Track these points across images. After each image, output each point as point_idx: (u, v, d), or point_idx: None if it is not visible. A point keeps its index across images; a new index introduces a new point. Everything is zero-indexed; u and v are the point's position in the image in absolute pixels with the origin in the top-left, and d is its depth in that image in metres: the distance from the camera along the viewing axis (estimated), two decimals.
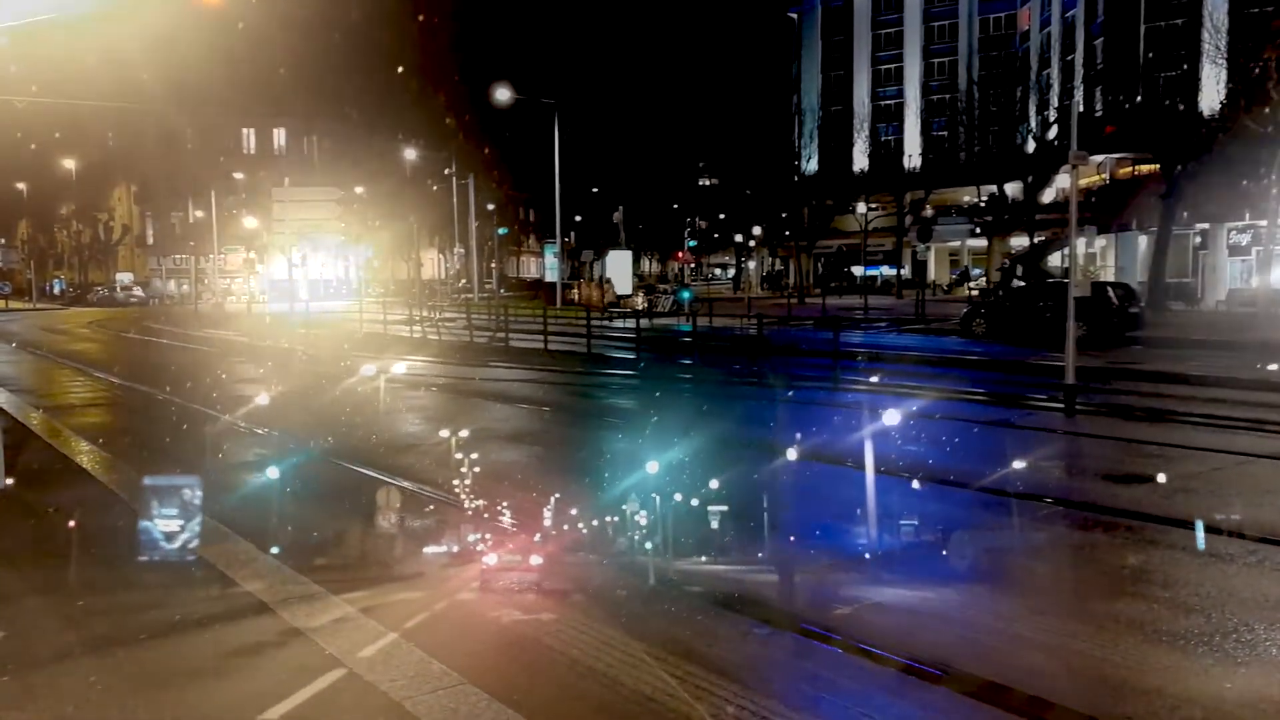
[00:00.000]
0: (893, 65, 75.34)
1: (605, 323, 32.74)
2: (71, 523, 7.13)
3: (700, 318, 28.90)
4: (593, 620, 5.33)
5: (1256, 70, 30.75)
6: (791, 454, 9.07)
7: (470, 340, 25.92)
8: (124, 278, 74.62)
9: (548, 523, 6.50)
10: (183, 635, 5.16)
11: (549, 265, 53.33)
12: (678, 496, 6.48)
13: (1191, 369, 17.23)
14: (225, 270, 66.56)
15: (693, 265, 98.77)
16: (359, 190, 61.45)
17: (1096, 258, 46.37)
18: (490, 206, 71.51)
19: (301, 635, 5.09)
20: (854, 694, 4.51)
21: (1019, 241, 49.84)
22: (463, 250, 70.97)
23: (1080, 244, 29.78)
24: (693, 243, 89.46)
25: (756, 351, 22.72)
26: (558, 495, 6.95)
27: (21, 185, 74.98)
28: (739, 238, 75.14)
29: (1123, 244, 43.96)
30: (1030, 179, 47.74)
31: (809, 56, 78.66)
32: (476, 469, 7.44)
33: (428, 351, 23.68)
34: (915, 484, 8.37)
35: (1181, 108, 39.72)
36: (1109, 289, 25.05)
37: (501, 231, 74.07)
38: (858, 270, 64.17)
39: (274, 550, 6.50)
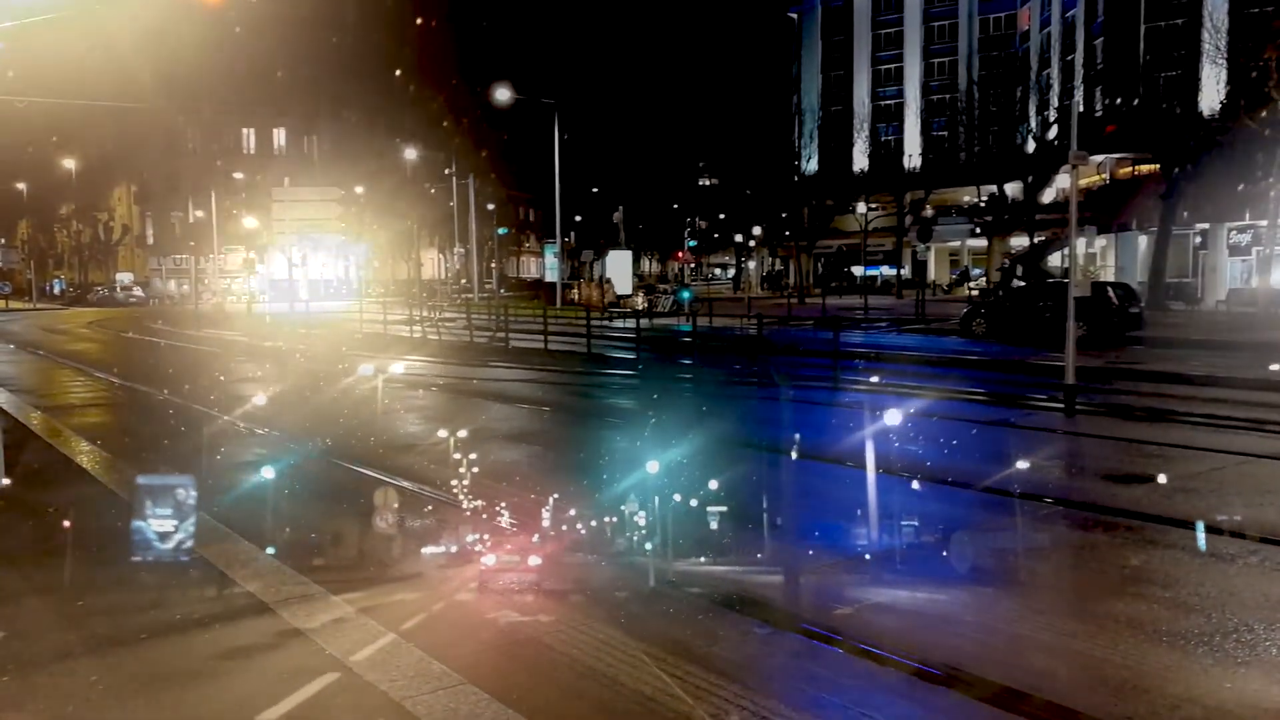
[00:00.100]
0: (893, 65, 75.36)
1: (605, 323, 32.74)
2: (72, 522, 7.13)
3: (700, 318, 28.91)
4: (593, 620, 5.33)
5: (1256, 70, 30.73)
6: (791, 454, 9.06)
7: (470, 340, 25.91)
8: (124, 278, 74.61)
9: (548, 523, 6.49)
10: (183, 635, 5.16)
11: (549, 265, 53.35)
12: (678, 496, 6.47)
13: (1192, 369, 17.22)
14: (225, 270, 66.55)
15: (693, 265, 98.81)
16: (359, 190, 61.48)
17: (1097, 258, 46.39)
18: (490, 206, 71.58)
19: (301, 635, 5.09)
20: (855, 694, 4.50)
21: (1019, 241, 49.85)
22: (463, 250, 71.01)
23: (1080, 244, 29.80)
24: (693, 243, 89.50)
25: (756, 351, 22.72)
26: (558, 495, 6.94)
27: (22, 185, 75.01)
28: (739, 238, 75.18)
29: (1123, 244, 43.96)
30: (1030, 179, 47.75)
31: (809, 56, 78.66)
32: (476, 469, 7.44)
33: (428, 351, 23.69)
34: (915, 484, 8.36)
35: (1181, 108, 39.71)
36: (1109, 289, 25.04)
37: (501, 231, 74.15)
38: (858, 270, 64.17)
39: (274, 550, 6.50)
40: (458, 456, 7.52)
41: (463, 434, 9.24)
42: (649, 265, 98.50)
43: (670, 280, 77.86)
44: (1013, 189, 51.84)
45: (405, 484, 8.72)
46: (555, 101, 48.10)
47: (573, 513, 6.64)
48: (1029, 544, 7.06)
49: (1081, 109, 43.95)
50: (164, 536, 5.81)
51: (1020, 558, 6.77)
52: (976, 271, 61.02)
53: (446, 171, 66.00)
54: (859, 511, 7.24)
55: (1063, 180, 44.40)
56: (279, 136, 79.74)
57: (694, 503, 6.59)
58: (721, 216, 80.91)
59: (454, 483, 7.23)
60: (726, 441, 9.93)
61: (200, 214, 66.81)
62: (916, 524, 6.90)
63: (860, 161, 67.98)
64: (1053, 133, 47.87)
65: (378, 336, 29.10)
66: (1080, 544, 7.12)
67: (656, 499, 6.28)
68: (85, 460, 9.99)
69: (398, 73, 68.88)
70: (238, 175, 66.87)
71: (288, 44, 61.93)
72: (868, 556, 6.61)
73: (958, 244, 65.56)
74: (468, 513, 6.72)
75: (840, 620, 5.47)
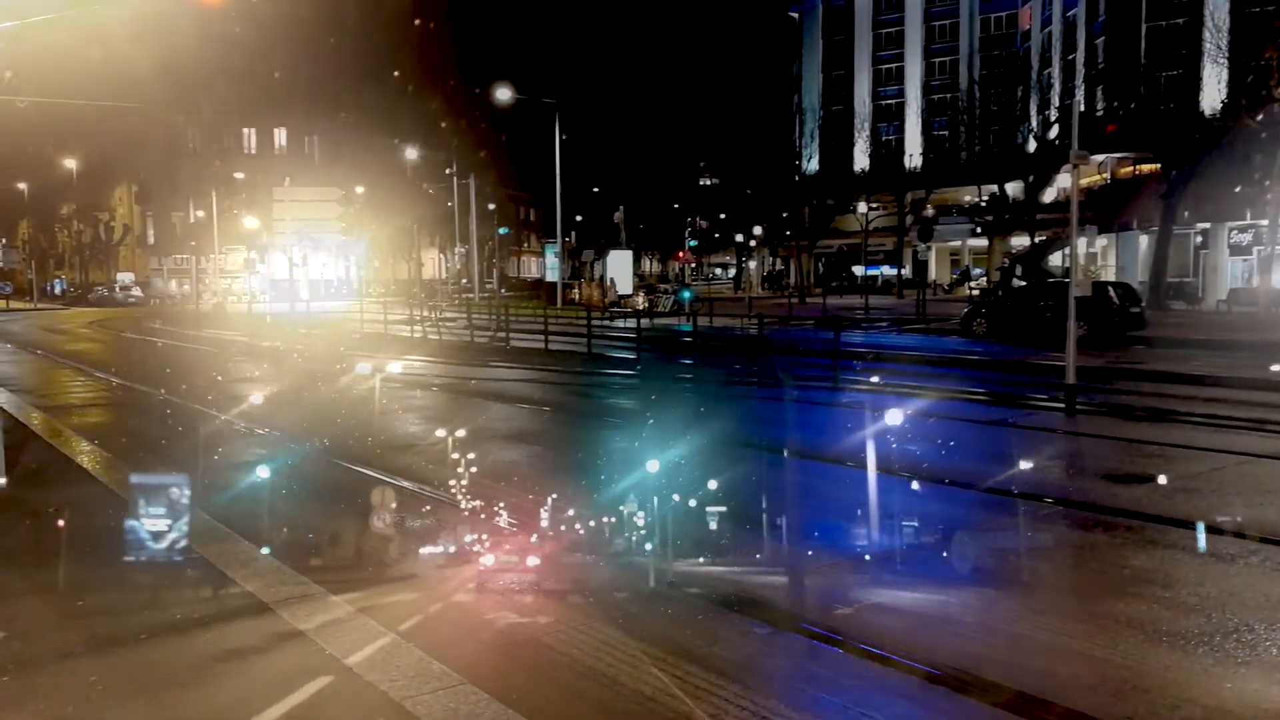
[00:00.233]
0: (894, 65, 75.37)
1: (606, 322, 32.73)
2: (72, 522, 7.13)
3: (701, 317, 28.89)
4: (593, 620, 5.33)
5: (1258, 70, 30.72)
6: (791, 454, 9.05)
7: (471, 340, 25.91)
8: (125, 278, 74.65)
9: (547, 523, 6.48)
10: (183, 634, 5.16)
11: (550, 265, 53.33)
12: (677, 496, 6.47)
13: (1193, 369, 17.21)
14: (226, 270, 66.58)
15: (693, 265, 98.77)
16: (359, 190, 61.47)
17: (1097, 257, 46.39)
18: (491, 206, 71.58)
19: (301, 635, 5.09)
20: (855, 694, 4.50)
21: (1020, 241, 49.82)
22: (463, 250, 70.99)
23: (1081, 244, 29.81)
24: (693, 242, 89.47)
25: (757, 351, 22.72)
26: (557, 495, 6.93)
27: (23, 185, 75.03)
28: (739, 237, 75.17)
29: (1124, 243, 43.95)
30: (1031, 178, 47.73)
31: (810, 56, 78.69)
32: (476, 469, 7.43)
33: (428, 351, 23.69)
34: (915, 484, 8.35)
35: (1182, 108, 39.69)
36: (1110, 289, 25.04)
37: (502, 231, 74.16)
38: (858, 270, 64.16)
39: (272, 550, 6.50)
40: (457, 456, 7.51)
41: (462, 434, 9.24)
42: (650, 265, 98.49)
43: (671, 280, 77.83)
44: (1014, 188, 51.82)
45: (404, 484, 8.71)
46: (555, 101, 48.17)
47: (572, 513, 6.63)
48: (1029, 544, 7.06)
49: (1082, 108, 43.85)
50: (163, 536, 5.81)
51: (1021, 558, 6.76)
52: (977, 271, 61.01)
53: (447, 171, 66.01)
54: (859, 511, 7.23)
55: (1064, 180, 44.36)
56: (280, 136, 79.73)
57: (694, 503, 6.59)
58: (722, 216, 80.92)
59: (453, 483, 7.22)
60: (726, 441, 9.93)
61: (201, 214, 66.84)
62: (917, 524, 6.90)
63: (861, 161, 67.99)
64: (1053, 132, 47.85)
65: (378, 336, 29.10)
66: (1080, 544, 7.12)
67: (656, 499, 6.27)
68: (85, 460, 9.99)
69: (398, 73, 68.91)
70: (238, 175, 66.84)
71: (288, 44, 61.94)
72: (868, 557, 6.60)
73: (958, 244, 65.54)
74: (467, 513, 6.72)
75: (840, 620, 5.47)
